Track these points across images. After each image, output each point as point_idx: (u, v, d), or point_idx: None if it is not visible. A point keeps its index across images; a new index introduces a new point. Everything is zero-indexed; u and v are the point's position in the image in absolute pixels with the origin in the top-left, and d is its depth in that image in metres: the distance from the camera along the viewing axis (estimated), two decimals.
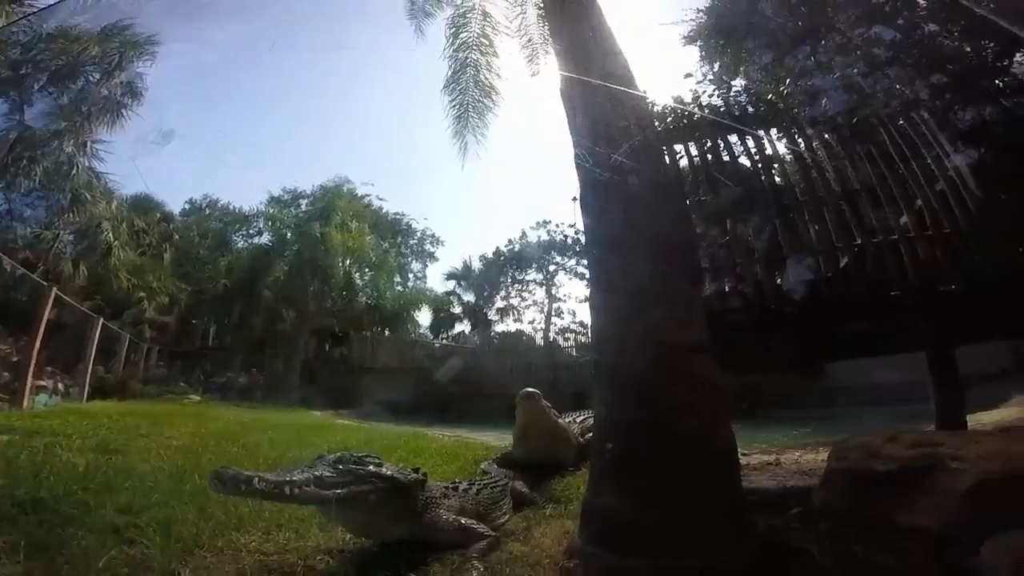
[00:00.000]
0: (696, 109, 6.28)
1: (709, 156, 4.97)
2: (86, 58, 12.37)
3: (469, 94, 8.40)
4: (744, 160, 5.67)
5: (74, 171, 14.22)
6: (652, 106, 5.74)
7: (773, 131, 6.01)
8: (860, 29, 7.95)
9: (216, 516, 3.00)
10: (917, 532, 2.38)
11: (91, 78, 12.97)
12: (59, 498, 2.88)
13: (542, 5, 7.68)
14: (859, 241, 4.82)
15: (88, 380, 10.07)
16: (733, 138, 5.68)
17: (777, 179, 5.60)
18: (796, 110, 6.93)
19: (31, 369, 7.58)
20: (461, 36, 8.26)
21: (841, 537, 2.53)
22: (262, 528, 2.98)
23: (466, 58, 8.28)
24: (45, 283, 9.27)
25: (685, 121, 6.10)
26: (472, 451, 6.45)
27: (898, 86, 7.18)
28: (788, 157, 5.66)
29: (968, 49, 7.07)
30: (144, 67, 13.33)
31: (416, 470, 3.05)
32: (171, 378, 16.06)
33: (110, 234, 15.89)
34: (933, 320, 4.33)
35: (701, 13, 9.11)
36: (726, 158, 5.49)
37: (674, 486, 2.40)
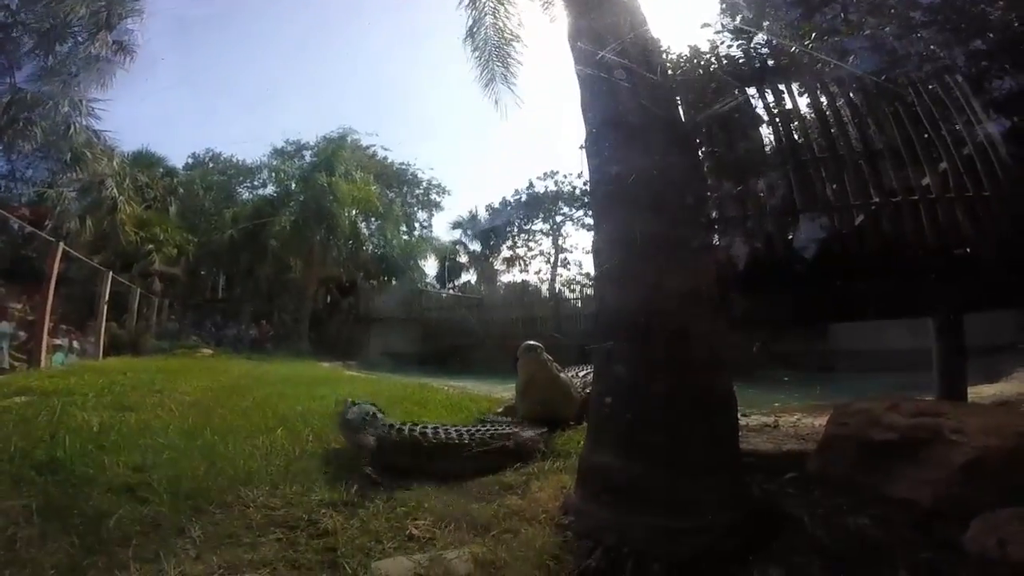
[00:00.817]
0: (713, 59, 5.95)
1: (725, 107, 4.77)
2: (73, 18, 12.08)
3: (490, 44, 8.10)
4: (762, 113, 5.45)
5: (72, 130, 14.19)
6: (666, 53, 5.45)
7: (795, 86, 5.74)
8: None
9: (226, 471, 3.12)
10: (908, 505, 2.39)
11: (80, 38, 12.70)
12: (75, 458, 3.01)
13: None
14: (877, 200, 4.69)
15: (102, 336, 10.30)
16: (751, 91, 5.44)
17: (796, 135, 5.40)
18: (820, 66, 6.58)
19: (46, 328, 7.74)
20: None
21: (833, 506, 2.53)
22: (269, 482, 3.11)
23: (484, 6, 7.91)
24: (51, 239, 9.31)
25: (701, 71, 5.80)
26: (476, 403, 6.56)
27: (934, 48, 6.76)
28: (809, 113, 5.44)
29: (1014, 18, 6.60)
30: (134, 24, 13.02)
31: None
32: (183, 331, 16.43)
33: (114, 189, 15.85)
34: (947, 284, 4.25)
35: None
36: (743, 109, 5.28)
37: (671, 444, 2.41)
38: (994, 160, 4.30)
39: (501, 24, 7.83)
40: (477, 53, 8.05)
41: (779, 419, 5.06)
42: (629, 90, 3.10)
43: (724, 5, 8.67)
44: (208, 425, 4.09)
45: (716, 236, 4.53)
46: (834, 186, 4.81)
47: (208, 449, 3.47)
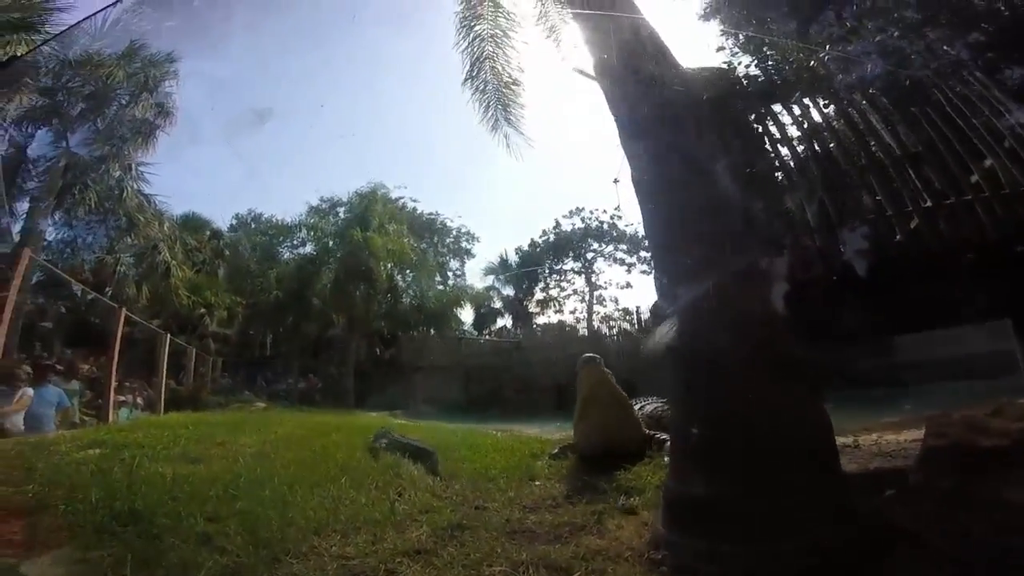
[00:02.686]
0: (738, 81, 6.03)
1: (758, 127, 4.76)
2: (113, 83, 12.83)
3: (490, 87, 8.31)
4: (792, 129, 5.41)
5: (125, 194, 14.79)
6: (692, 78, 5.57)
7: (820, 99, 5.71)
8: None
9: (297, 521, 3.09)
10: None
11: (122, 101, 13.44)
12: (153, 508, 3.04)
13: None
14: (928, 203, 4.53)
15: (163, 393, 10.67)
16: (776, 107, 5.43)
17: (828, 146, 5.31)
18: (841, 76, 6.55)
19: (112, 385, 8.08)
20: (475, 29, 8.16)
21: (947, 516, 2.42)
22: (339, 531, 3.06)
23: (482, 51, 8.18)
24: (115, 304, 9.86)
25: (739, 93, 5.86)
26: (527, 445, 6.45)
27: (943, 47, 6.70)
28: (838, 124, 5.36)
29: (1001, 6, 6.52)
30: (170, 87, 13.87)
31: None
32: (236, 387, 16.84)
33: (167, 254, 16.69)
34: (1017, 283, 4.04)
35: None
36: (772, 128, 5.25)
37: (769, 468, 2.32)
38: None
39: (500, 67, 8.06)
40: (478, 96, 8.27)
41: (858, 438, 4.82)
42: (670, 125, 3.14)
43: (724, 27, 8.80)
44: (274, 475, 4.10)
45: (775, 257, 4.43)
46: (875, 193, 4.68)
47: (278, 499, 3.47)
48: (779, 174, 4.92)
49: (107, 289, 14.34)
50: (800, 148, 5.14)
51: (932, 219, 4.51)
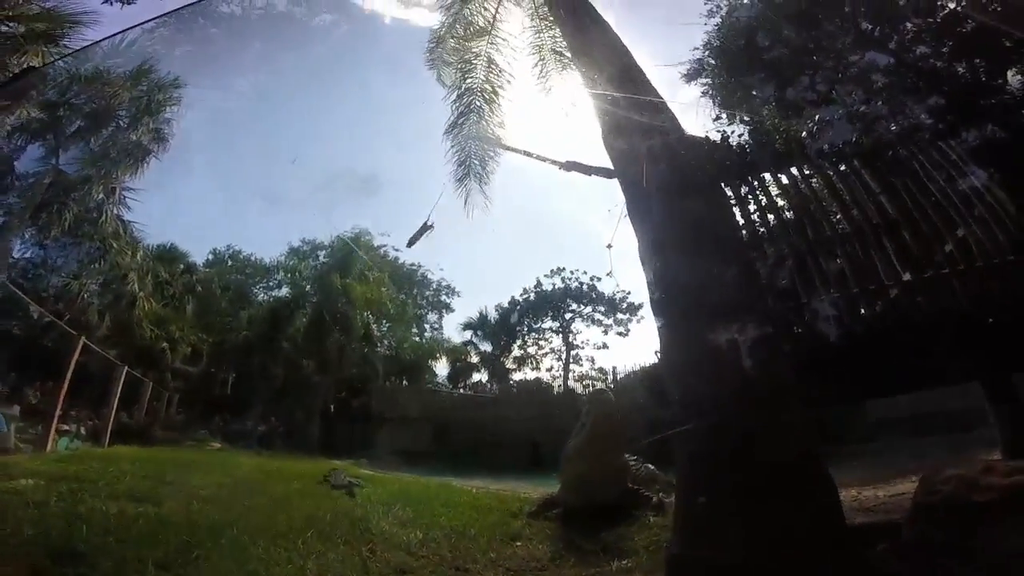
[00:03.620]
0: (736, 148, 6.31)
1: (757, 196, 4.91)
2: (117, 103, 12.60)
3: (472, 140, 8.44)
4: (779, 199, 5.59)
5: (102, 218, 14.18)
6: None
7: (799, 166, 5.96)
8: (855, 56, 8.05)
9: (259, 575, 2.75)
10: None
11: (122, 123, 13.14)
12: (97, 551, 2.66)
13: (559, 48, 7.90)
14: (907, 276, 4.68)
15: (110, 425, 9.92)
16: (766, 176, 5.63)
17: (810, 214, 5.49)
18: (827, 146, 6.92)
19: (57, 414, 7.47)
20: (467, 81, 8.39)
21: (948, 569, 2.50)
22: None
23: (470, 103, 8.37)
24: (74, 332, 9.29)
25: (728, 162, 6.10)
26: (505, 503, 6.11)
27: (907, 111, 7.19)
28: (816, 191, 5.57)
29: (961, 69, 7.11)
30: (171, 112, 13.68)
31: None
32: (192, 425, 15.83)
33: (135, 285, 16.04)
34: (990, 349, 4.19)
35: (701, 51, 9.27)
36: (762, 198, 5.43)
37: (776, 531, 2.20)
38: (1005, 218, 4.35)
39: (485, 122, 8.25)
40: (456, 148, 8.39)
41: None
42: (679, 196, 3.22)
43: (707, 91, 9.27)
44: (232, 522, 3.70)
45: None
46: (852, 262, 4.81)
47: (238, 550, 3.10)
48: (765, 243, 5.03)
49: (67, 315, 13.59)
50: (784, 216, 5.29)
51: (909, 291, 4.65)
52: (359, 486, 6.41)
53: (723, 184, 5.55)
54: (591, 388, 23.53)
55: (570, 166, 3.28)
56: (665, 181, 3.31)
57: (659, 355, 3.32)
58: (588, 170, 3.34)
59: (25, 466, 5.27)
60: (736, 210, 5.16)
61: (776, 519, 2.30)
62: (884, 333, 4.45)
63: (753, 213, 5.34)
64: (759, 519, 2.27)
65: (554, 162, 3.36)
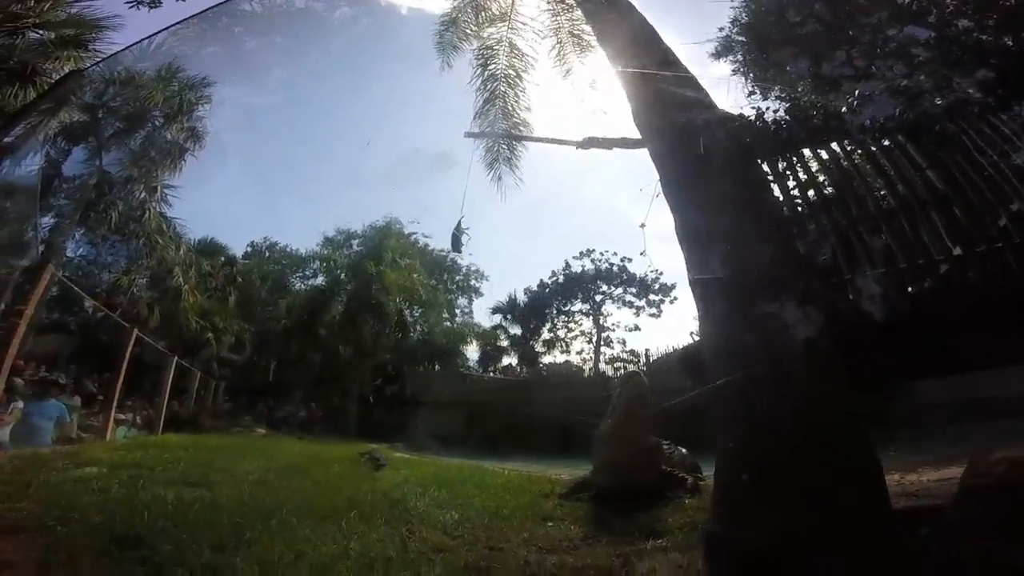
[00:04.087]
0: (772, 124, 6.08)
1: (795, 172, 4.75)
2: (151, 104, 13.08)
3: (497, 126, 8.44)
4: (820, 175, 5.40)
5: (146, 216, 14.89)
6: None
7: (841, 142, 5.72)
8: (892, 30, 7.60)
9: (307, 555, 2.90)
10: None
11: (157, 123, 13.70)
12: (156, 534, 2.86)
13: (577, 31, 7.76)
14: (958, 250, 4.47)
15: (163, 414, 10.48)
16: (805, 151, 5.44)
17: (854, 190, 5.28)
18: (868, 121, 6.59)
19: (114, 404, 7.94)
20: (489, 68, 8.36)
21: (996, 552, 2.41)
22: (352, 568, 2.86)
23: (495, 89, 8.35)
24: (127, 325, 9.81)
25: (765, 138, 5.90)
26: (536, 484, 6.21)
27: (953, 85, 6.76)
28: (859, 166, 5.34)
29: (1010, 42, 6.63)
30: (203, 111, 14.19)
31: None
32: (237, 412, 16.57)
33: (180, 279, 16.75)
34: None
35: (729, 28, 8.92)
36: (802, 175, 5.25)
37: (820, 513, 2.23)
38: None
39: (511, 107, 8.21)
40: (485, 132, 8.39)
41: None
42: (716, 175, 3.15)
43: (736, 68, 8.92)
44: (280, 505, 3.90)
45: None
46: (901, 238, 4.61)
47: (287, 531, 3.27)
48: (806, 220, 4.86)
49: (118, 309, 14.33)
50: (825, 192, 5.10)
51: (961, 266, 4.43)
52: (385, 464, 7.28)
53: (761, 160, 5.41)
54: (623, 371, 23.44)
55: (588, 143, 3.24)
56: (704, 157, 3.25)
57: (699, 335, 3.29)
58: (608, 143, 3.29)
59: (89, 455, 5.64)
60: (775, 187, 5.02)
61: (818, 500, 2.28)
62: (933, 311, 4.28)
63: (792, 189, 5.18)
64: (800, 499, 2.26)
65: (570, 143, 3.34)
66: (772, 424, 2.47)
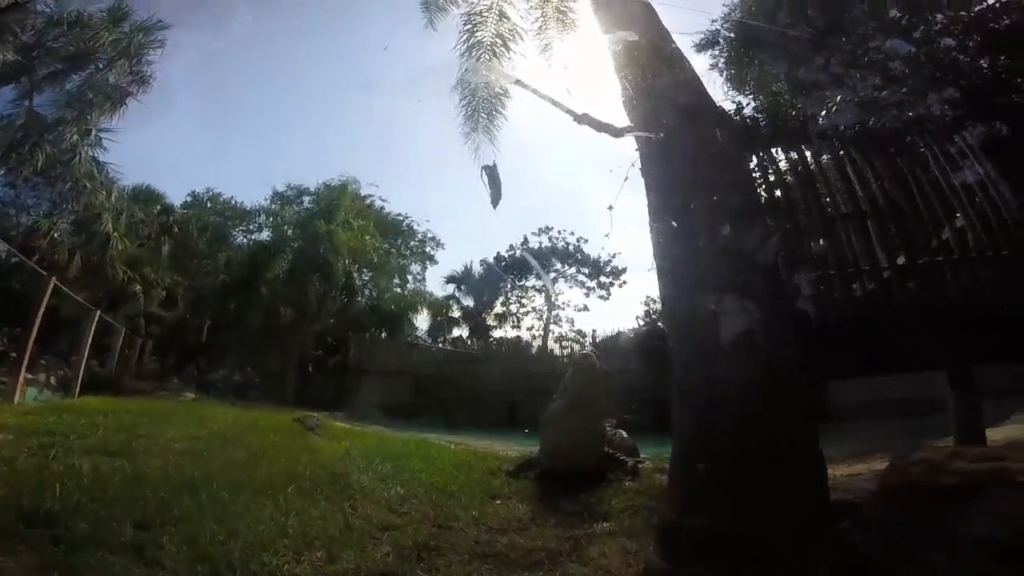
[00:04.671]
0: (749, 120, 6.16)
1: (766, 169, 4.82)
2: (96, 45, 12.05)
3: (479, 95, 8.25)
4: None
5: (76, 159, 13.67)
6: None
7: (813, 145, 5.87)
8: (875, 42, 7.90)
9: (241, 532, 2.73)
10: (986, 542, 2.44)
11: (100, 65, 12.59)
12: (71, 510, 2.60)
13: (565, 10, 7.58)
14: (902, 259, 4.71)
15: (81, 375, 9.68)
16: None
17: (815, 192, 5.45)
18: (842, 126, 6.82)
19: (24, 362, 7.21)
20: (477, 35, 8.10)
21: (909, 547, 2.59)
22: (290, 547, 2.72)
23: (479, 57, 8.13)
24: (44, 272, 8.89)
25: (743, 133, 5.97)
26: (483, 461, 6.21)
27: (920, 100, 7.11)
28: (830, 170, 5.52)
29: (984, 65, 7.03)
30: (154, 55, 13.12)
31: None
32: (165, 374, 15.66)
33: (109, 224, 15.46)
34: (964, 339, 4.29)
35: (719, 22, 9.02)
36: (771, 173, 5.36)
37: (768, 502, 2.32)
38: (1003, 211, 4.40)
39: (494, 78, 8.03)
40: (465, 102, 8.22)
41: None
42: (699, 156, 3.12)
43: (716, 62, 9.08)
44: (211, 478, 3.67)
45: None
46: (850, 242, 4.82)
47: (218, 507, 3.07)
48: (773, 217, 5.00)
49: (36, 255, 13.08)
50: (790, 192, 5.24)
51: (902, 274, 4.71)
52: (316, 428, 7.40)
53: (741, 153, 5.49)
54: (571, 350, 23.89)
55: (583, 119, 3.14)
56: (689, 145, 3.22)
57: (663, 317, 3.31)
58: (599, 126, 3.20)
59: None
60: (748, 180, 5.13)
61: (772, 490, 2.36)
62: (867, 315, 4.50)
63: (760, 186, 5.30)
64: (754, 489, 2.33)
65: (569, 111, 3.21)
66: (727, 414, 2.50)
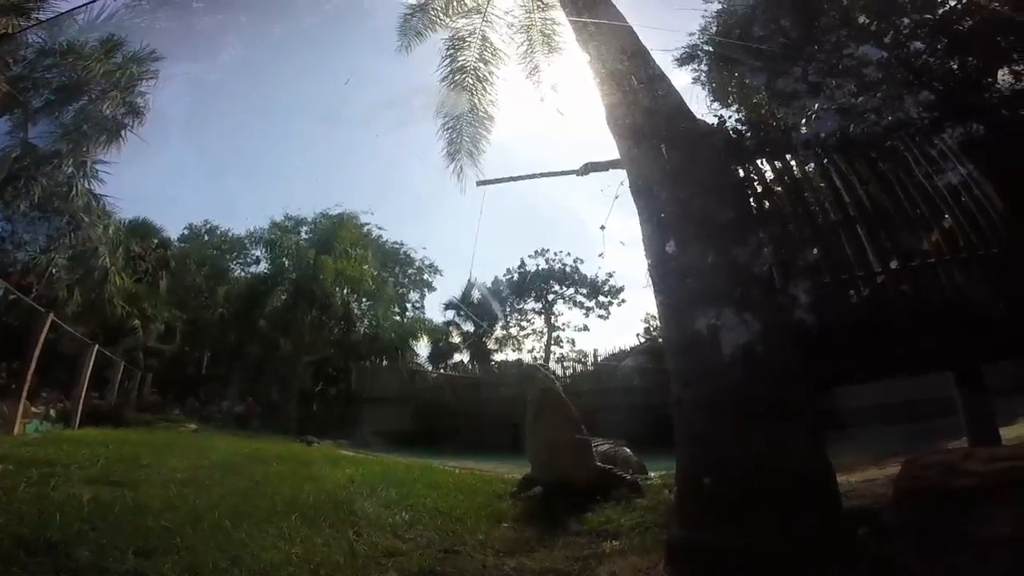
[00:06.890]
0: (733, 133, 6.27)
1: (752, 182, 4.89)
2: (89, 76, 12.06)
3: (463, 119, 8.38)
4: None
5: (73, 192, 13.71)
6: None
7: (796, 154, 5.97)
8: (848, 49, 8.09)
9: (244, 561, 2.68)
10: (1008, 543, 2.39)
11: (93, 96, 12.63)
12: (72, 539, 2.55)
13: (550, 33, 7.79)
14: (895, 265, 4.74)
15: (80, 406, 9.61)
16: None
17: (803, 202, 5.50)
18: (823, 134, 6.93)
19: (23, 395, 7.18)
20: (459, 59, 8.26)
21: (931, 553, 2.53)
22: (295, 575, 2.67)
23: (462, 81, 8.28)
24: (42, 309, 8.91)
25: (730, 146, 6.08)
26: (489, 484, 6.13)
27: (897, 104, 7.25)
28: (815, 179, 5.59)
29: (954, 66, 7.20)
30: (147, 86, 13.16)
31: None
32: (166, 406, 15.51)
33: (106, 259, 15.49)
34: (967, 339, 4.28)
35: (696, 36, 9.21)
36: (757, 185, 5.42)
37: (778, 515, 2.24)
38: (991, 212, 4.44)
39: (477, 101, 8.17)
40: (449, 125, 8.35)
41: None
42: (687, 173, 3.17)
43: (697, 76, 9.27)
44: (213, 507, 3.61)
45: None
46: (843, 249, 4.85)
47: (221, 535, 3.02)
48: (765, 228, 5.04)
49: (34, 291, 13.07)
50: (777, 202, 5.30)
51: (895, 279, 4.72)
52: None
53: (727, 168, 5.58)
54: (572, 370, 23.74)
55: (587, 169, 3.21)
56: (678, 161, 3.27)
57: (662, 335, 3.31)
58: (606, 166, 3.27)
59: None
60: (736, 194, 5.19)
61: (781, 503, 2.32)
62: (867, 320, 4.51)
63: (750, 197, 5.34)
64: (763, 503, 2.29)
65: (569, 173, 3.29)
66: (731, 428, 2.48)
